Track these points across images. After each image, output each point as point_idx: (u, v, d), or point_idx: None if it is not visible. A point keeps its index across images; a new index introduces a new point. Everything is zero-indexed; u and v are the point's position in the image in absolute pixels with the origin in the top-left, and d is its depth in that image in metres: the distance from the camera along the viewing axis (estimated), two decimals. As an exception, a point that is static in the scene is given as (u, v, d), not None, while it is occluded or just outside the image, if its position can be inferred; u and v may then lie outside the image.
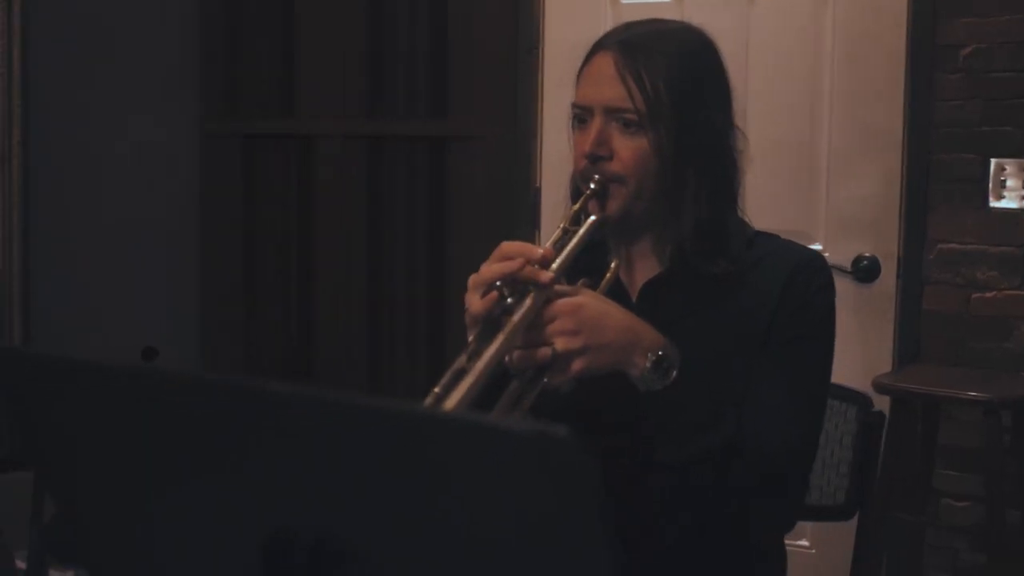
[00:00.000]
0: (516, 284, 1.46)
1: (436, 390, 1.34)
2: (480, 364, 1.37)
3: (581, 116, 1.63)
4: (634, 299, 1.68)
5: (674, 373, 1.50)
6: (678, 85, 1.59)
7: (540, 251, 1.49)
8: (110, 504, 1.07)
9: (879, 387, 2.76)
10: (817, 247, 3.24)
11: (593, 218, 1.59)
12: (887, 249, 3.20)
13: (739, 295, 1.65)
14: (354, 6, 3.76)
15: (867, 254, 3.21)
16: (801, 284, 1.66)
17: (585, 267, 1.65)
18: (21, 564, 2.00)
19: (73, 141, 3.94)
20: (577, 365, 1.46)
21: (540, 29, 3.56)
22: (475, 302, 1.46)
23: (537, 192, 3.52)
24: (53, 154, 3.95)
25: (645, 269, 1.69)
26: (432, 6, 3.70)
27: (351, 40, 3.78)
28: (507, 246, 1.50)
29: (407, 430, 0.88)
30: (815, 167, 3.26)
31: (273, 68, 3.88)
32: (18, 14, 3.86)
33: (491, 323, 1.44)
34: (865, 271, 3.21)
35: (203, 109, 3.90)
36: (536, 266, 1.48)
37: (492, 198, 3.63)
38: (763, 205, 3.27)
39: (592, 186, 1.60)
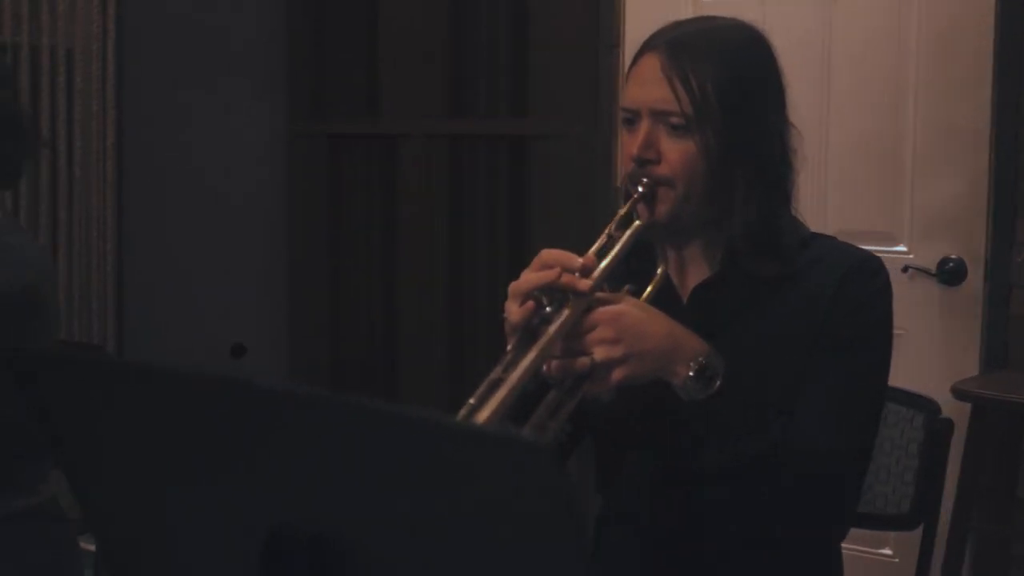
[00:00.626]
0: (555, 293, 1.45)
1: (471, 401, 1.33)
2: (515, 375, 1.36)
3: (629, 118, 1.62)
4: (685, 301, 1.67)
5: (717, 383, 1.48)
6: (726, 85, 1.56)
7: (580, 260, 1.47)
8: (126, 496, 1.10)
9: (957, 393, 2.69)
10: (901, 249, 3.17)
11: (637, 224, 1.57)
12: (974, 251, 3.11)
13: (792, 297, 1.62)
14: (436, 6, 3.78)
15: (953, 256, 3.13)
16: (855, 287, 1.62)
17: (636, 268, 1.64)
18: (88, 546, 2.05)
19: (164, 143, 4.03)
20: (617, 374, 1.45)
21: (621, 27, 3.54)
22: (513, 311, 1.46)
23: (618, 191, 3.49)
24: (145, 156, 4.05)
25: (696, 271, 1.67)
26: (513, 5, 3.70)
27: (433, 40, 3.80)
28: (546, 254, 1.49)
29: (392, 432, 0.90)
30: (899, 167, 3.19)
31: (357, 69, 3.92)
32: (112, 17, 3.96)
33: (529, 333, 1.43)
34: (950, 273, 3.12)
35: (290, 111, 3.95)
36: (577, 275, 1.47)
37: (573, 197, 3.62)
38: (846, 205, 3.23)
39: (640, 189, 1.58)
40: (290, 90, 3.95)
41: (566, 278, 1.45)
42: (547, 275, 1.45)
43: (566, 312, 1.43)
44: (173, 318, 4.05)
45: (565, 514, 0.82)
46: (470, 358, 3.85)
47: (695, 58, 1.56)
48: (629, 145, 1.60)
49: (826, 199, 3.25)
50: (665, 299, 1.63)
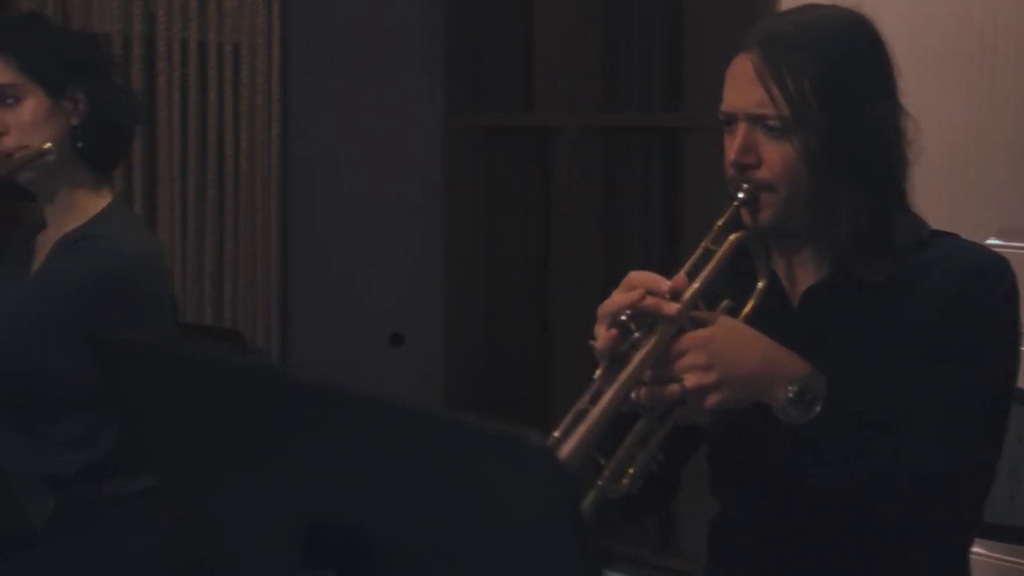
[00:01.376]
0: (643, 317, 1.40)
1: (556, 434, 1.31)
2: (600, 405, 1.33)
3: (727, 122, 1.57)
4: (795, 305, 1.61)
5: (817, 408, 1.42)
6: (825, 82, 1.49)
7: (667, 283, 1.43)
8: (184, 478, 1.15)
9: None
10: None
11: (732, 237, 1.52)
12: None
13: (907, 302, 1.54)
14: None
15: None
16: (978, 290, 1.53)
17: (744, 270, 1.59)
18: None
19: (325, 135, 4.12)
20: (711, 401, 1.40)
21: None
22: (600, 335, 1.42)
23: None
24: (307, 148, 4.15)
25: (807, 274, 1.61)
26: (667, -2, 3.66)
27: (587, 33, 3.78)
28: (634, 276, 1.45)
29: (409, 428, 0.93)
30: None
31: (513, 63, 3.93)
32: (278, 13, 4.07)
33: (616, 359, 1.39)
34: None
35: (447, 104, 3.99)
36: (667, 296, 1.42)
37: (726, 190, 3.55)
38: (984, 200, 3.05)
39: (741, 195, 1.54)
40: (448, 84, 3.98)
41: (651, 301, 1.40)
42: (631, 297, 1.40)
43: (654, 338, 1.39)
44: (333, 306, 4.14)
45: (564, 510, 0.83)
46: (621, 350, 3.82)
47: (789, 55, 1.49)
48: (728, 150, 1.56)
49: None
50: (774, 303, 1.58)
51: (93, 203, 2.12)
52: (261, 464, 1.05)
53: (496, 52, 3.97)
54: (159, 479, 1.17)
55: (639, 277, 1.43)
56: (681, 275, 1.45)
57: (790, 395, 1.41)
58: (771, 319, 1.54)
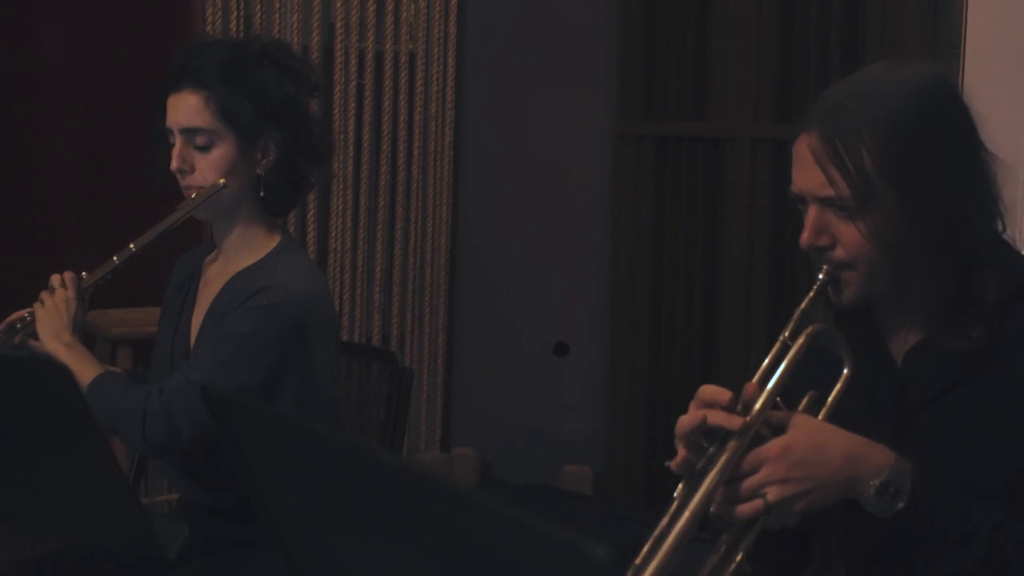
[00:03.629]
0: (715, 432, 1.36)
1: (636, 562, 1.27)
2: (678, 527, 1.29)
3: (799, 200, 1.50)
4: (899, 364, 1.54)
5: (900, 503, 1.35)
6: (888, 157, 1.40)
7: (728, 395, 1.37)
8: (283, 528, 1.19)
9: None
10: None
11: (811, 328, 1.45)
12: None
13: (1014, 361, 1.45)
14: (768, 6, 3.66)
15: None
16: None
17: (853, 326, 1.52)
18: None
19: (497, 144, 4.13)
20: (797, 507, 1.35)
21: (962, 28, 3.29)
22: (680, 453, 1.39)
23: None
24: (480, 156, 4.17)
25: (910, 333, 1.53)
26: (847, 5, 3.52)
27: (763, 41, 3.68)
28: (703, 390, 1.40)
29: (474, 519, 0.94)
30: None
31: (687, 71, 3.86)
32: (454, 23, 4.10)
33: (694, 477, 1.35)
34: None
35: (619, 112, 3.94)
36: (739, 406, 1.36)
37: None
38: None
39: (821, 276, 1.47)
40: (621, 92, 3.94)
41: (715, 418, 1.35)
42: (696, 417, 1.36)
43: (726, 454, 1.34)
44: (500, 313, 4.15)
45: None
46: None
47: (847, 133, 1.41)
48: (804, 229, 1.49)
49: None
50: (877, 363, 1.52)
51: (265, 242, 2.11)
52: (348, 532, 1.07)
53: (670, 59, 3.90)
54: (269, 527, 1.19)
55: (707, 392, 1.39)
56: (751, 384, 1.39)
57: (873, 490, 1.35)
58: (873, 377, 1.49)
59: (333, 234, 3.98)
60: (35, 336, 2.06)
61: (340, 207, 3.98)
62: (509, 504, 0.87)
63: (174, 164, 2.04)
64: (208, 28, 3.71)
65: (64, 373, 1.37)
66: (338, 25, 3.93)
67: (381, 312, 4.08)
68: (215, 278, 2.15)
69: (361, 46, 3.99)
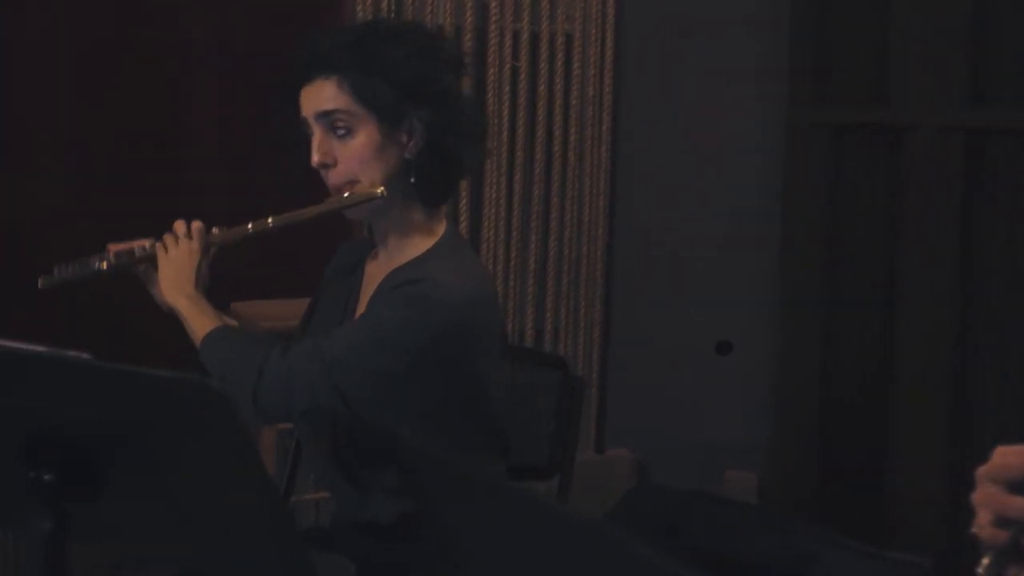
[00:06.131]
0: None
1: None
2: None
3: None
4: None
5: None
6: None
7: None
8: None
9: None
10: None
11: None
12: None
13: None
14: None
15: None
16: None
17: None
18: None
19: (658, 129, 3.94)
20: None
21: None
22: (982, 523, 1.15)
23: None
24: (639, 142, 3.98)
25: None
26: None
27: (953, 19, 3.40)
28: (999, 455, 1.15)
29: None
30: None
31: (865, 52, 3.59)
32: (612, 3, 3.91)
33: (1008, 552, 1.12)
34: None
35: (790, 99, 3.70)
36: None
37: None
38: None
39: None
40: (792, 76, 3.70)
41: (1014, 511, 1.12)
42: (994, 504, 1.11)
43: None
44: (659, 307, 3.97)
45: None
46: (979, 378, 3.46)
47: None
48: None
49: None
50: None
51: (424, 239, 1.97)
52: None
53: (846, 40, 3.64)
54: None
55: (1003, 462, 1.14)
56: None
57: None
58: None
59: (486, 223, 3.84)
60: (155, 267, 1.99)
61: (493, 195, 3.84)
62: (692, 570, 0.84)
63: (315, 159, 1.90)
64: (359, 12, 3.60)
65: (221, 398, 1.24)
66: (492, 5, 3.77)
67: (534, 305, 3.94)
68: (375, 277, 2.01)
69: (516, 27, 3.83)
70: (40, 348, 1.29)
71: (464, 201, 3.77)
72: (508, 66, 3.81)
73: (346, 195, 1.90)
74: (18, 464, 1.36)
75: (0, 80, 3.21)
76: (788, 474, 3.73)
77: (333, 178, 1.91)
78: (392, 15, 3.62)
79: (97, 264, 2.00)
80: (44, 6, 3.23)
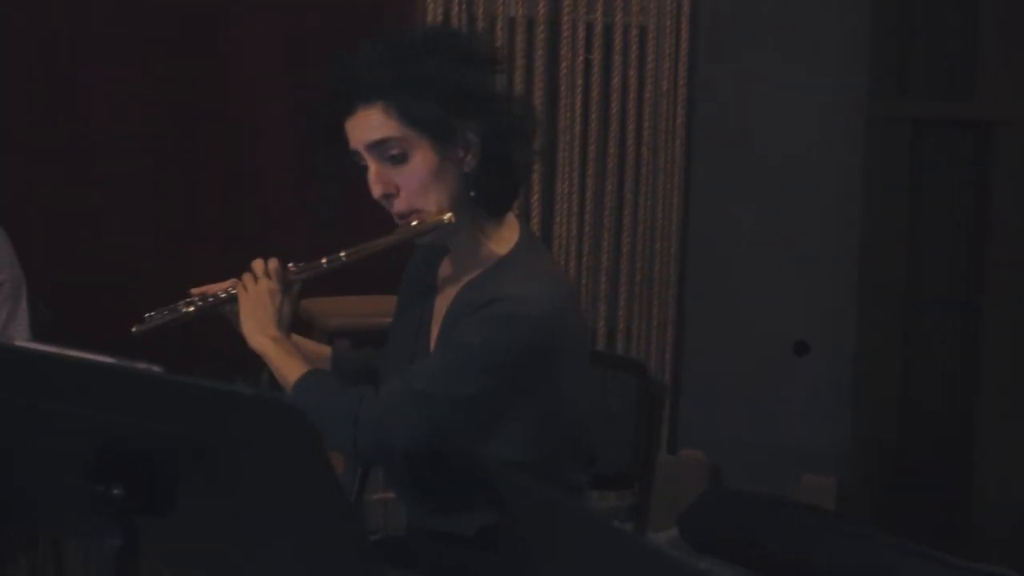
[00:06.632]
0: None
1: None
2: None
3: None
4: None
5: None
6: None
7: None
8: None
9: None
10: None
11: None
12: None
13: None
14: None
15: None
16: None
17: None
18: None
19: (733, 125, 3.85)
20: None
21: None
22: None
23: None
24: (713, 136, 3.90)
25: None
26: None
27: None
28: None
29: None
30: None
31: (951, 44, 3.48)
32: (688, -2, 3.84)
33: None
34: None
35: (871, 92, 3.59)
36: None
37: None
38: None
39: None
40: (873, 68, 3.58)
41: None
42: None
43: None
44: (733, 305, 3.89)
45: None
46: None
47: None
48: None
49: None
50: None
51: (496, 245, 1.90)
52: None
53: (931, 30, 3.53)
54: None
55: None
56: None
57: None
58: None
59: (557, 220, 3.78)
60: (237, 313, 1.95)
61: (565, 191, 3.77)
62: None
63: (377, 191, 1.84)
64: (429, 8, 3.55)
65: (301, 418, 1.18)
66: (566, -4, 3.71)
67: (607, 303, 3.87)
68: (449, 285, 1.96)
69: (589, 18, 3.76)
70: (110, 359, 1.24)
71: (536, 197, 3.71)
72: (581, 59, 3.74)
73: (415, 224, 1.84)
74: (87, 477, 1.31)
75: (80, 121, 3.21)
76: (867, 479, 3.63)
77: (398, 206, 1.85)
78: (463, 8, 3.57)
79: (184, 308, 1.97)
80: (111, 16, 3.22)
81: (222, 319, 2.00)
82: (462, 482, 1.85)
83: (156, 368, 1.24)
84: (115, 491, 1.32)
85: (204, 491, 1.33)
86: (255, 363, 3.34)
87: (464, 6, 3.57)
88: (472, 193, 1.84)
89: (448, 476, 1.87)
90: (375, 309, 2.91)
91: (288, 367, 1.89)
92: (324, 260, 1.92)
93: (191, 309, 1.98)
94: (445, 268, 1.99)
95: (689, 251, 3.94)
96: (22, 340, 2.45)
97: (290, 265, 1.95)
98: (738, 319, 3.85)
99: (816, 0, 3.74)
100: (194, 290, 2.01)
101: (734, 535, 3.24)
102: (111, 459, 1.31)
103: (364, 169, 1.85)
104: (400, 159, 1.82)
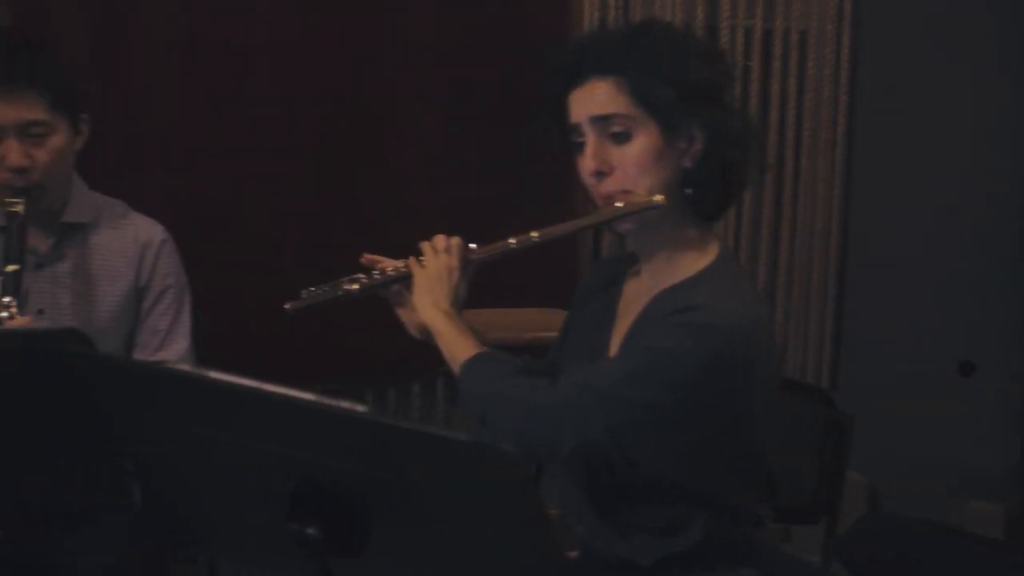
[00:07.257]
0: None
1: None
2: None
3: None
4: None
5: None
6: None
7: None
8: None
9: None
10: None
11: None
12: None
13: None
14: None
15: None
16: None
17: None
18: None
19: (896, 134, 3.70)
20: None
21: None
22: None
23: None
24: (875, 146, 3.75)
25: None
26: None
27: None
28: None
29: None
30: None
31: None
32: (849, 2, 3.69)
33: None
34: None
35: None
36: None
37: None
38: None
39: None
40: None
41: None
42: None
43: None
44: (894, 322, 3.74)
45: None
46: None
47: None
48: None
49: None
50: None
51: (696, 258, 1.81)
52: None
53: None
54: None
55: None
56: None
57: None
58: None
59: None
60: (408, 288, 1.90)
61: (720, 202, 3.66)
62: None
63: (591, 166, 1.76)
64: (585, 11, 3.48)
65: (520, 466, 1.11)
66: (724, 1, 3.59)
67: (762, 318, 3.74)
68: (638, 296, 1.86)
69: (748, 23, 3.65)
70: (311, 397, 1.19)
71: (691, 208, 3.61)
72: (739, 65, 3.62)
73: (620, 204, 1.75)
74: (284, 515, 1.27)
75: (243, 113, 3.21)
76: (1038, 507, 3.47)
77: (608, 186, 1.76)
78: (620, 12, 3.49)
79: (347, 285, 1.91)
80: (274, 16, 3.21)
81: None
82: (646, 504, 1.76)
83: (360, 407, 1.19)
84: (310, 531, 1.27)
85: (401, 530, 1.28)
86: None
87: (621, 12, 3.49)
88: (688, 191, 1.76)
89: (629, 495, 1.78)
90: (535, 322, 2.84)
91: (459, 345, 1.82)
92: (512, 240, 1.85)
93: (354, 287, 1.91)
94: (635, 276, 1.90)
95: (849, 265, 3.80)
96: (181, 349, 2.43)
97: (471, 245, 1.89)
98: (900, 336, 3.70)
99: (981, 2, 3.58)
100: (365, 257, 1.94)
101: (896, 563, 3.10)
102: (308, 498, 1.27)
103: (576, 146, 1.79)
104: (622, 138, 1.75)
